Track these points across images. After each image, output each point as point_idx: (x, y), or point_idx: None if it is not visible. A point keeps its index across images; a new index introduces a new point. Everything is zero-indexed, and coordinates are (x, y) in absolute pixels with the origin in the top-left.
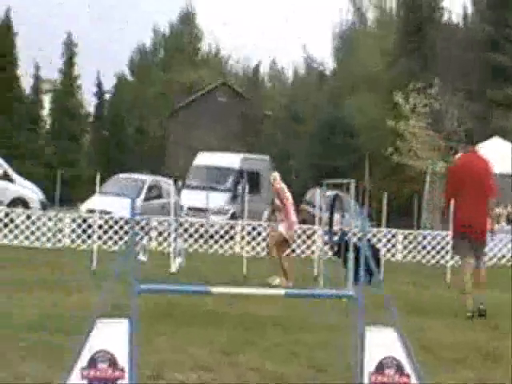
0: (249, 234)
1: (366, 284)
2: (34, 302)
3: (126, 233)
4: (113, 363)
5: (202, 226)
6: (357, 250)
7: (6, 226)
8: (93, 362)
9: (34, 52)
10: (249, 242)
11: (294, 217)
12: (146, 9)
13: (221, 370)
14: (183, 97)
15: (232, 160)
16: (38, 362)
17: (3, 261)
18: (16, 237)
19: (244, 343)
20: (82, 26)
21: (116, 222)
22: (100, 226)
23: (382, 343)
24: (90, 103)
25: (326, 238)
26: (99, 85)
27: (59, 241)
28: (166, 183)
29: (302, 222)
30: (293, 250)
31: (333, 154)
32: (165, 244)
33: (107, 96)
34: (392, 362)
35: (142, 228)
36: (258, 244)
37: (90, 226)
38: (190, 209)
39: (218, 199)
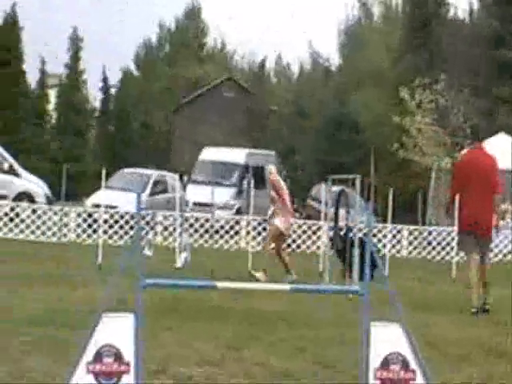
0: (254, 229)
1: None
2: (40, 297)
3: (132, 227)
4: (118, 357)
5: (207, 220)
6: (362, 245)
7: (11, 220)
8: (98, 357)
9: (40, 47)
10: (254, 237)
11: (289, 209)
12: (152, 3)
13: (226, 364)
14: (189, 92)
15: (237, 155)
16: (44, 356)
17: (9, 255)
18: (22, 231)
19: (249, 338)
20: (87, 20)
21: (121, 217)
22: (105, 221)
23: (387, 339)
24: (95, 98)
25: (331, 233)
26: (105, 79)
27: (65, 235)
28: (172, 178)
29: (308, 217)
30: (288, 245)
31: (338, 149)
32: (170, 239)
33: (113, 91)
34: (397, 358)
35: (148, 223)
36: (264, 239)
37: (95, 221)
38: (195, 204)
39: (224, 194)
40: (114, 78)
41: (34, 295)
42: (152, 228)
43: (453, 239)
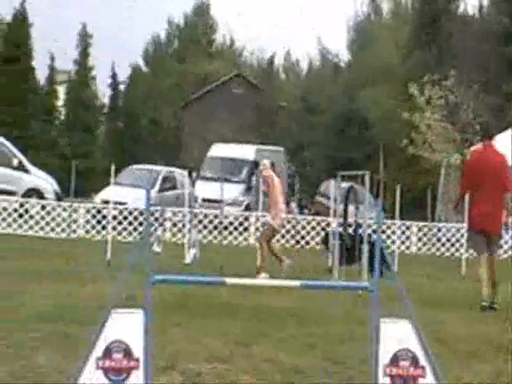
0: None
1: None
2: (49, 293)
3: (141, 224)
4: (128, 353)
5: (216, 217)
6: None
7: (20, 216)
8: (108, 352)
9: (49, 43)
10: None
11: (281, 205)
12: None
13: (235, 360)
14: (197, 88)
15: (246, 151)
16: (53, 352)
17: (18, 251)
18: (31, 227)
19: (258, 334)
20: (97, 16)
21: (130, 213)
22: (114, 217)
23: (396, 335)
24: (104, 94)
25: (341, 229)
26: (114, 76)
27: (74, 231)
28: (181, 174)
29: (316, 213)
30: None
31: (347, 145)
32: (179, 235)
33: (122, 87)
34: (407, 354)
35: (157, 219)
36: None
37: (104, 217)
38: (204, 200)
39: (233, 190)
40: (123, 75)
41: (43, 291)
42: (161, 224)
43: (462, 236)
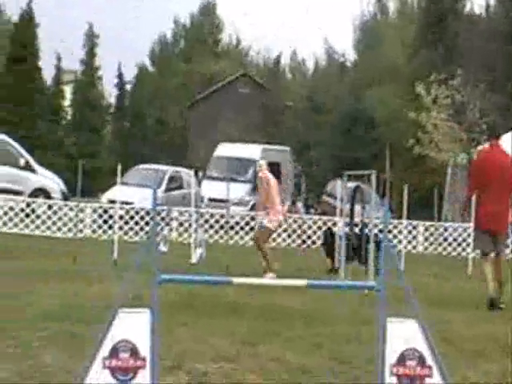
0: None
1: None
2: (56, 292)
3: (147, 223)
4: (134, 353)
5: (222, 216)
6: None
7: (27, 216)
8: (114, 352)
9: (56, 43)
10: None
11: (278, 206)
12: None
13: (242, 360)
14: (204, 88)
15: (253, 151)
16: (60, 351)
17: (25, 251)
18: (37, 227)
19: (265, 334)
20: (103, 17)
21: (137, 213)
22: (121, 217)
23: (403, 335)
24: (110, 94)
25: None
26: (120, 76)
27: (80, 231)
28: (187, 174)
29: (323, 213)
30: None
31: (354, 145)
32: (185, 235)
33: (128, 87)
34: (414, 354)
35: (163, 219)
36: (279, 235)
37: (111, 217)
38: (210, 200)
39: (239, 190)
40: (130, 74)
41: (50, 291)
42: (167, 224)
43: (469, 235)
